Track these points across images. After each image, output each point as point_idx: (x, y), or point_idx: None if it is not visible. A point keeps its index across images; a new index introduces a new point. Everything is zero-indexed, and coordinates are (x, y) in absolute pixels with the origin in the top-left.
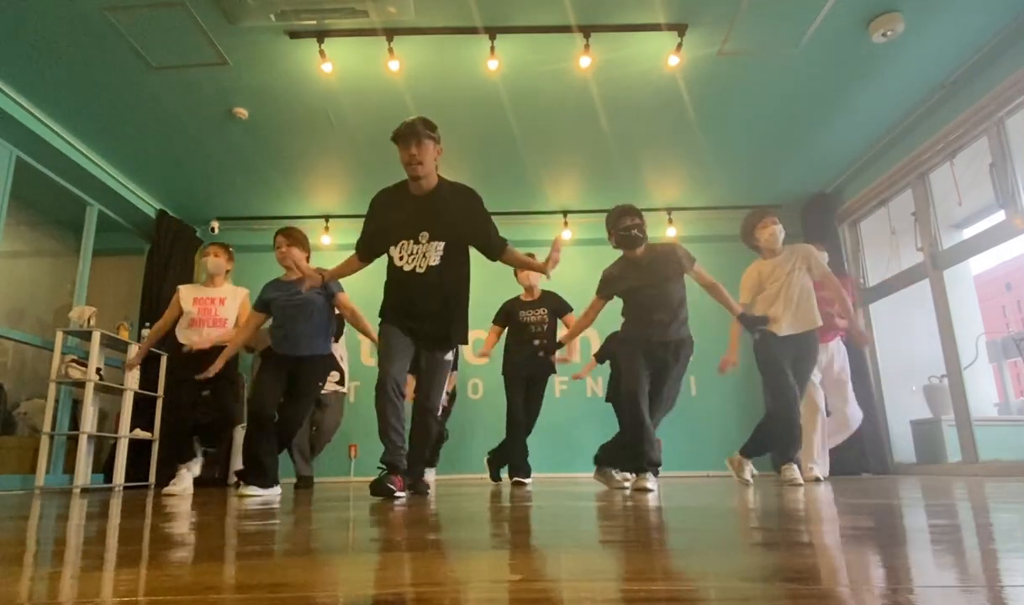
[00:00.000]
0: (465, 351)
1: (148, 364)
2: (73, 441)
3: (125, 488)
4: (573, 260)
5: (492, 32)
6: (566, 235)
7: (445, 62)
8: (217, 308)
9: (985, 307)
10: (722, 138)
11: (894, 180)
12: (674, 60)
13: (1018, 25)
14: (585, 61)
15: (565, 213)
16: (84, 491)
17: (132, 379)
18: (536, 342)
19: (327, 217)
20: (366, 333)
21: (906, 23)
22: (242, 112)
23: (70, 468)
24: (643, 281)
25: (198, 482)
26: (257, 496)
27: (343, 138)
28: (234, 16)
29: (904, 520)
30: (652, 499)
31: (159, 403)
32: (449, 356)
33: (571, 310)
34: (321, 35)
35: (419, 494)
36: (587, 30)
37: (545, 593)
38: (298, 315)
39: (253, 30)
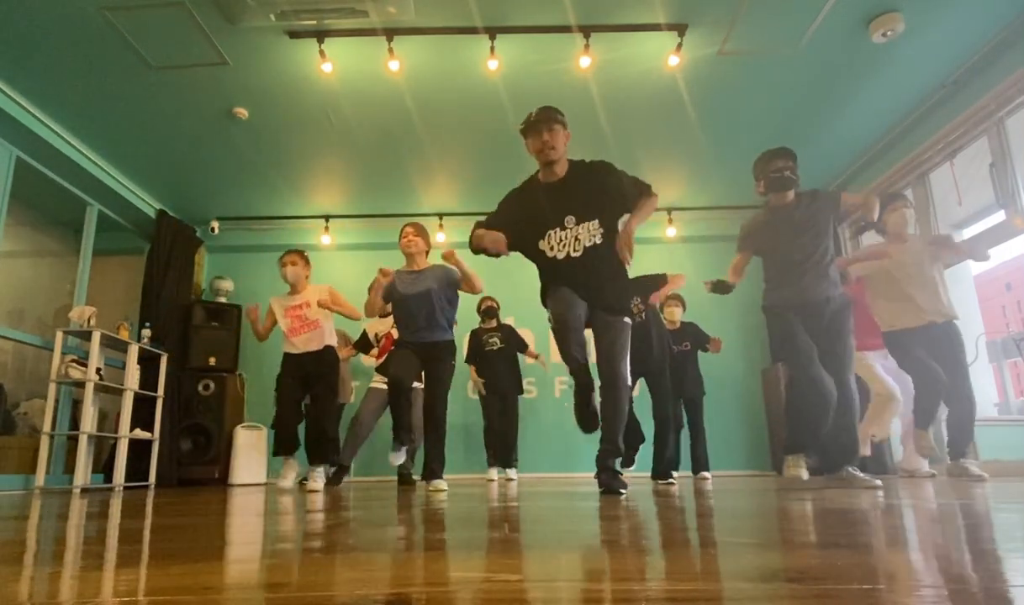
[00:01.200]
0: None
1: (148, 364)
2: (73, 441)
3: (125, 488)
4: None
5: (492, 32)
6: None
7: (445, 62)
8: (305, 312)
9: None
10: (722, 138)
11: (894, 180)
12: (674, 60)
13: (1018, 25)
14: (585, 61)
15: None
16: (84, 491)
17: (132, 379)
18: None
19: (327, 217)
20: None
21: (906, 23)
22: (242, 112)
23: (70, 468)
24: (789, 234)
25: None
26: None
27: (343, 138)
28: (234, 16)
29: (904, 520)
30: (650, 500)
31: (159, 403)
32: (628, 320)
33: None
34: (321, 35)
35: (612, 492)
36: (587, 30)
37: (545, 593)
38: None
39: (253, 30)
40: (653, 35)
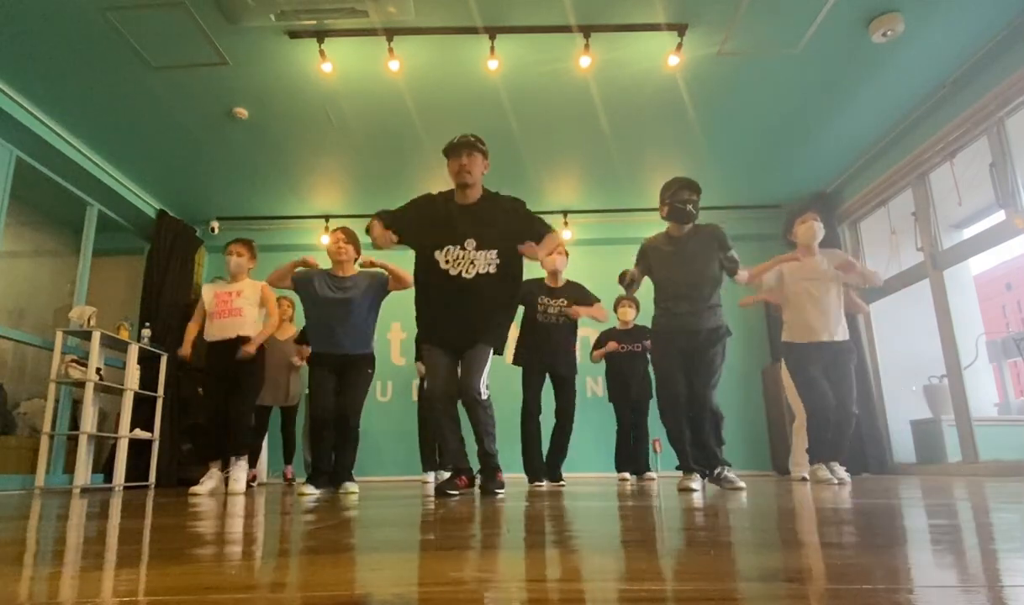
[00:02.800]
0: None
1: (148, 364)
2: (73, 441)
3: (125, 488)
4: (573, 260)
5: (492, 32)
6: (566, 235)
7: (445, 62)
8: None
9: (985, 307)
10: (722, 138)
11: (894, 180)
12: (674, 60)
13: (1018, 25)
14: (585, 61)
15: (565, 213)
16: (84, 491)
17: (132, 379)
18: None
19: (327, 217)
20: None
21: (906, 23)
22: (242, 112)
23: (70, 468)
24: (678, 263)
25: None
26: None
27: (343, 138)
28: (234, 16)
29: (904, 520)
30: (655, 500)
31: (159, 403)
32: (491, 347)
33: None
34: (321, 35)
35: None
36: (587, 30)
37: (543, 593)
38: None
39: (253, 30)
40: (653, 35)
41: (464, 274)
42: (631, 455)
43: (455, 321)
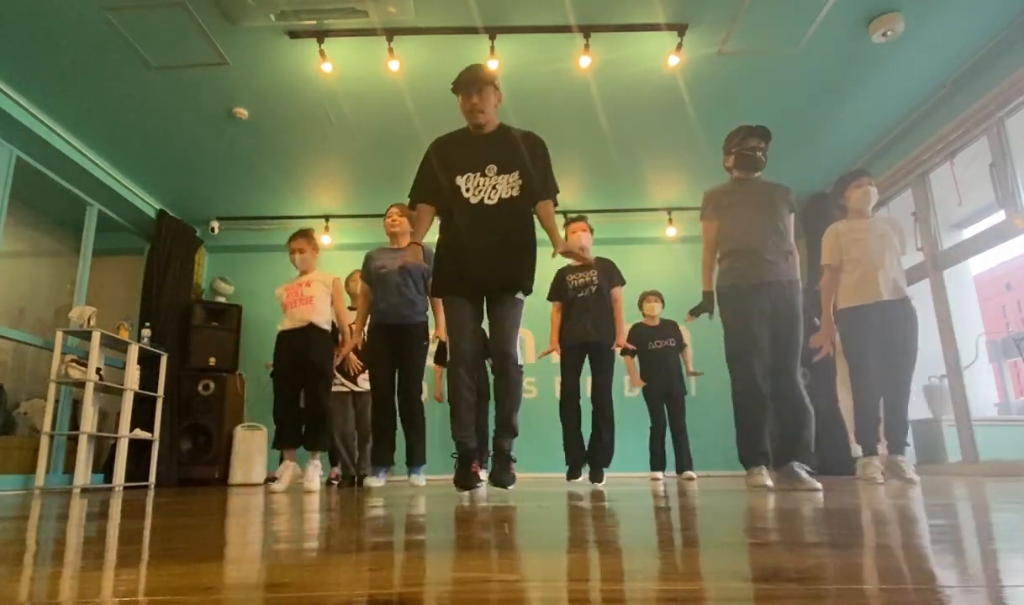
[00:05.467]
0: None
1: (148, 364)
2: (73, 441)
3: (125, 488)
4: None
5: (492, 32)
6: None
7: (445, 62)
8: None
9: (985, 307)
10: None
11: (894, 180)
12: (674, 60)
13: (1018, 25)
14: (585, 61)
15: (565, 213)
16: (84, 491)
17: (132, 379)
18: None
19: (327, 217)
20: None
21: (906, 23)
22: (242, 112)
23: (70, 468)
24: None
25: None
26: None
27: (343, 138)
28: (234, 16)
29: (904, 520)
30: (661, 500)
31: (159, 403)
32: (522, 296)
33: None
34: (321, 35)
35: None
36: (587, 30)
37: (544, 593)
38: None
39: (253, 30)
40: (653, 35)
41: (487, 200)
42: (661, 453)
43: (480, 259)
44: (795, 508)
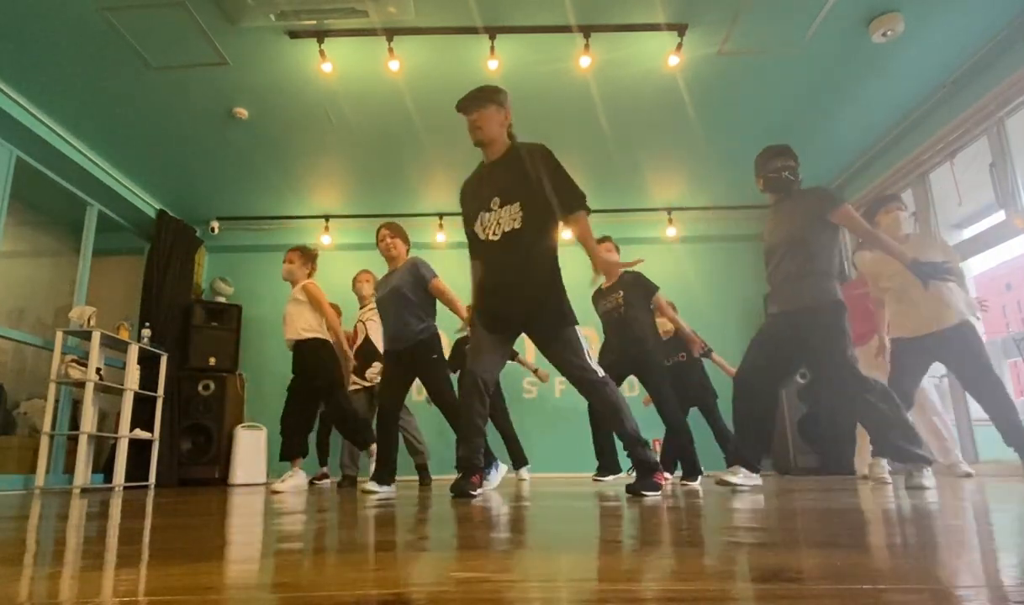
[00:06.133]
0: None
1: (148, 364)
2: (73, 441)
3: (125, 488)
4: (572, 260)
5: (492, 32)
6: (567, 235)
7: (445, 62)
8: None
9: None
10: (722, 138)
11: (894, 180)
12: (674, 60)
13: (1018, 25)
14: (585, 61)
15: None
16: (84, 491)
17: (132, 379)
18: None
19: (327, 217)
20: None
21: (906, 23)
22: (242, 112)
23: (70, 468)
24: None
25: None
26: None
27: (343, 138)
28: (234, 16)
29: (904, 520)
30: (652, 500)
31: (159, 403)
32: (570, 324)
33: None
34: (321, 35)
35: None
36: (587, 30)
37: (544, 593)
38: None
39: (253, 30)
40: (653, 35)
41: (491, 237)
42: (676, 454)
43: (496, 299)
44: (794, 508)
